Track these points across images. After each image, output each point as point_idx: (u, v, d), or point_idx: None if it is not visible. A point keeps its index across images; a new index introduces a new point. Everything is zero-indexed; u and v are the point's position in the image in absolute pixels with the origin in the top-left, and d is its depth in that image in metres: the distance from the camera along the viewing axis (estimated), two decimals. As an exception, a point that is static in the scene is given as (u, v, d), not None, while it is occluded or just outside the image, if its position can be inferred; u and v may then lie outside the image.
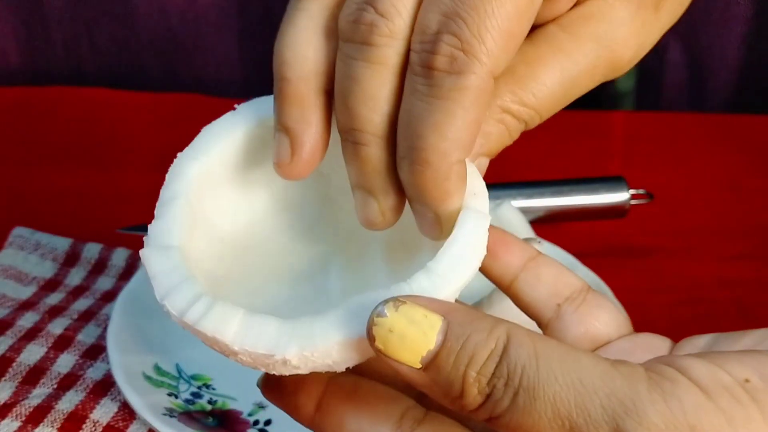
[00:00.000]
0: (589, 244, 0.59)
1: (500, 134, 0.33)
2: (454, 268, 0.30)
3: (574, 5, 0.33)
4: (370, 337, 0.27)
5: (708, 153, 0.71)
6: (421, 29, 0.29)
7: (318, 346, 0.29)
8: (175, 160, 0.35)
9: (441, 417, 0.30)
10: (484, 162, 0.34)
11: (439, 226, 0.31)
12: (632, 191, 0.60)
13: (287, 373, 0.30)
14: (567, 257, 0.53)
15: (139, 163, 0.68)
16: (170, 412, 0.44)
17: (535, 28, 0.33)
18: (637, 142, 0.72)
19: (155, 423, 0.43)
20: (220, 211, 0.36)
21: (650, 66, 0.77)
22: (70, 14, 0.78)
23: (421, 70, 0.29)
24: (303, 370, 0.30)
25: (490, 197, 0.35)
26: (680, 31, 0.76)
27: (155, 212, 0.34)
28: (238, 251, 0.36)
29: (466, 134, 0.30)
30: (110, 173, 0.66)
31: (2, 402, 0.46)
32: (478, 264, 0.31)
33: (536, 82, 0.33)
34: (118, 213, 0.62)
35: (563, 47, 0.33)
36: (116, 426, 0.45)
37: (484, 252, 0.31)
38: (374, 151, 0.31)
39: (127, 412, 0.46)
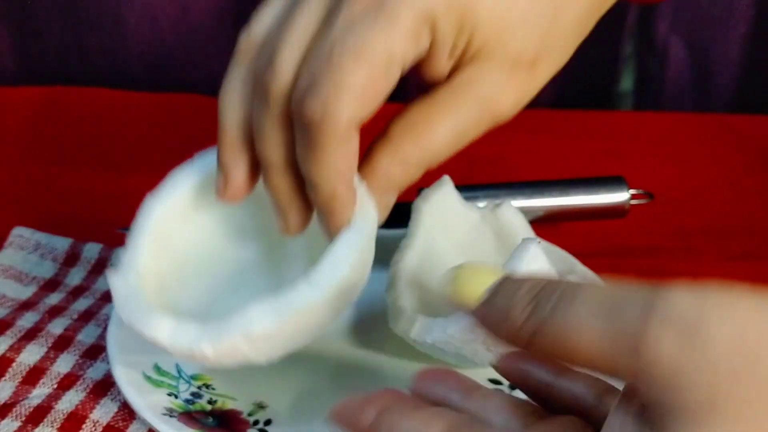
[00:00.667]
0: (589, 244, 0.59)
1: (402, 175, 0.41)
2: (326, 277, 0.39)
3: (457, 69, 0.40)
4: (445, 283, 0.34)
5: (708, 153, 0.71)
6: (297, 86, 0.37)
7: (224, 342, 0.39)
8: (144, 199, 0.44)
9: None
10: (392, 197, 0.41)
11: (330, 233, 0.40)
12: (632, 191, 0.60)
13: (213, 363, 0.40)
14: (567, 257, 0.53)
15: (138, 163, 0.68)
16: (170, 412, 0.44)
17: (431, 86, 0.41)
18: (637, 142, 0.72)
19: (155, 423, 0.43)
20: (185, 240, 0.45)
21: (653, 66, 0.77)
22: (60, 24, 0.77)
23: (298, 119, 0.37)
24: (222, 358, 0.40)
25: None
26: (683, 31, 0.76)
27: (125, 242, 0.44)
28: (201, 273, 0.46)
29: (339, 166, 0.38)
30: (110, 173, 0.66)
31: (2, 402, 0.47)
32: (347, 273, 0.40)
33: (432, 134, 0.40)
34: (118, 213, 0.62)
35: (452, 106, 0.40)
36: (116, 426, 0.45)
37: (356, 262, 0.40)
38: (278, 180, 0.40)
39: (127, 412, 0.46)
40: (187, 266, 0.45)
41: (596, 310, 0.29)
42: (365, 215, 0.41)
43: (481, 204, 0.52)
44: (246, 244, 0.47)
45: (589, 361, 0.29)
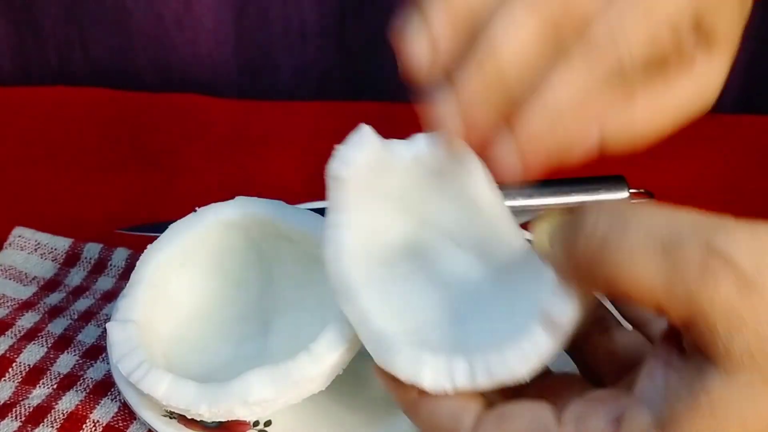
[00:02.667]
0: (590, 243, 0.59)
1: None
2: (325, 351, 0.41)
3: None
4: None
5: (708, 153, 0.71)
6: None
7: (221, 406, 0.41)
8: (145, 250, 0.46)
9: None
10: None
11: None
12: (632, 191, 0.60)
13: (206, 420, 0.42)
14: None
15: (139, 163, 0.68)
16: (170, 414, 0.44)
17: None
18: (638, 141, 0.72)
19: (155, 424, 0.43)
20: (180, 288, 0.47)
21: None
22: (63, 21, 0.76)
23: None
24: (217, 418, 0.42)
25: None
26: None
27: (124, 291, 0.46)
28: (193, 318, 0.48)
29: None
30: (110, 173, 0.66)
31: (2, 402, 0.47)
32: (349, 346, 0.41)
33: None
34: (118, 213, 0.62)
35: None
36: (116, 426, 0.46)
37: (354, 336, 0.40)
38: None
39: (127, 412, 0.46)
40: (181, 314, 0.48)
41: (650, 242, 0.29)
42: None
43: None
44: (237, 292, 0.49)
45: (641, 297, 0.29)
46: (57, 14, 0.76)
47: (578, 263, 0.31)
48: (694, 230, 0.29)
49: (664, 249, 0.29)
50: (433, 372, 0.35)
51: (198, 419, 0.43)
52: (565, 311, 0.33)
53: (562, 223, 0.33)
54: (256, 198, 0.48)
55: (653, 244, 0.29)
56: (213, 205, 0.48)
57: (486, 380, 0.35)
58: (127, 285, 0.46)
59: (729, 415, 0.28)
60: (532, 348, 0.34)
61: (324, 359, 0.42)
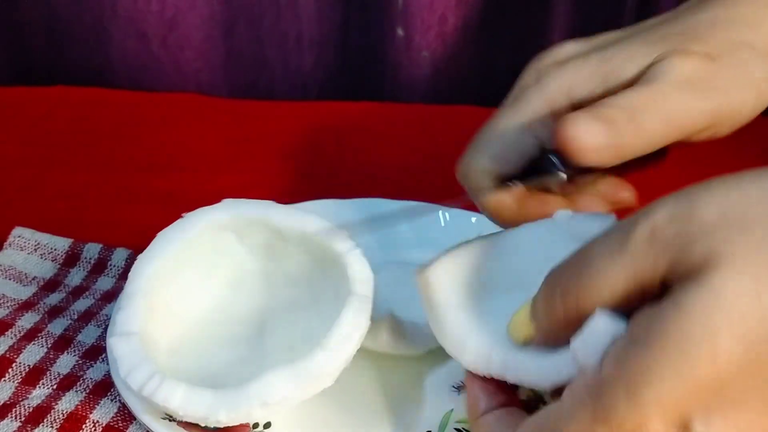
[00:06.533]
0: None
1: None
2: (340, 344, 0.42)
3: None
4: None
5: (708, 153, 0.71)
6: None
7: (241, 410, 0.41)
8: (136, 261, 0.46)
9: None
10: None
11: None
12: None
13: (222, 426, 0.43)
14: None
15: (139, 163, 0.68)
16: (170, 416, 0.44)
17: None
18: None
19: (155, 427, 0.43)
20: (175, 295, 0.47)
21: None
22: (44, 40, 0.75)
23: None
24: (234, 423, 0.42)
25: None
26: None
27: (119, 303, 0.46)
28: (190, 324, 0.48)
29: None
30: (110, 173, 0.66)
31: (2, 402, 0.47)
32: (361, 337, 0.43)
33: None
34: (118, 213, 0.62)
35: None
36: (116, 426, 0.46)
37: (366, 327, 0.43)
38: None
39: (126, 413, 0.46)
40: (178, 321, 0.48)
41: (608, 246, 0.33)
42: (364, 276, 0.44)
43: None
44: (232, 295, 0.49)
45: (625, 294, 0.33)
46: (39, 32, 0.75)
47: (566, 318, 0.35)
48: (628, 219, 0.33)
49: (618, 238, 0.33)
50: (473, 355, 0.39)
51: (203, 424, 0.43)
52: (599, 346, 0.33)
53: (534, 306, 0.36)
54: (243, 199, 0.48)
55: (604, 251, 0.33)
56: (201, 209, 0.47)
57: (513, 378, 0.38)
58: (122, 297, 0.46)
59: (696, 317, 0.30)
60: (555, 369, 0.36)
61: (338, 353, 0.42)
